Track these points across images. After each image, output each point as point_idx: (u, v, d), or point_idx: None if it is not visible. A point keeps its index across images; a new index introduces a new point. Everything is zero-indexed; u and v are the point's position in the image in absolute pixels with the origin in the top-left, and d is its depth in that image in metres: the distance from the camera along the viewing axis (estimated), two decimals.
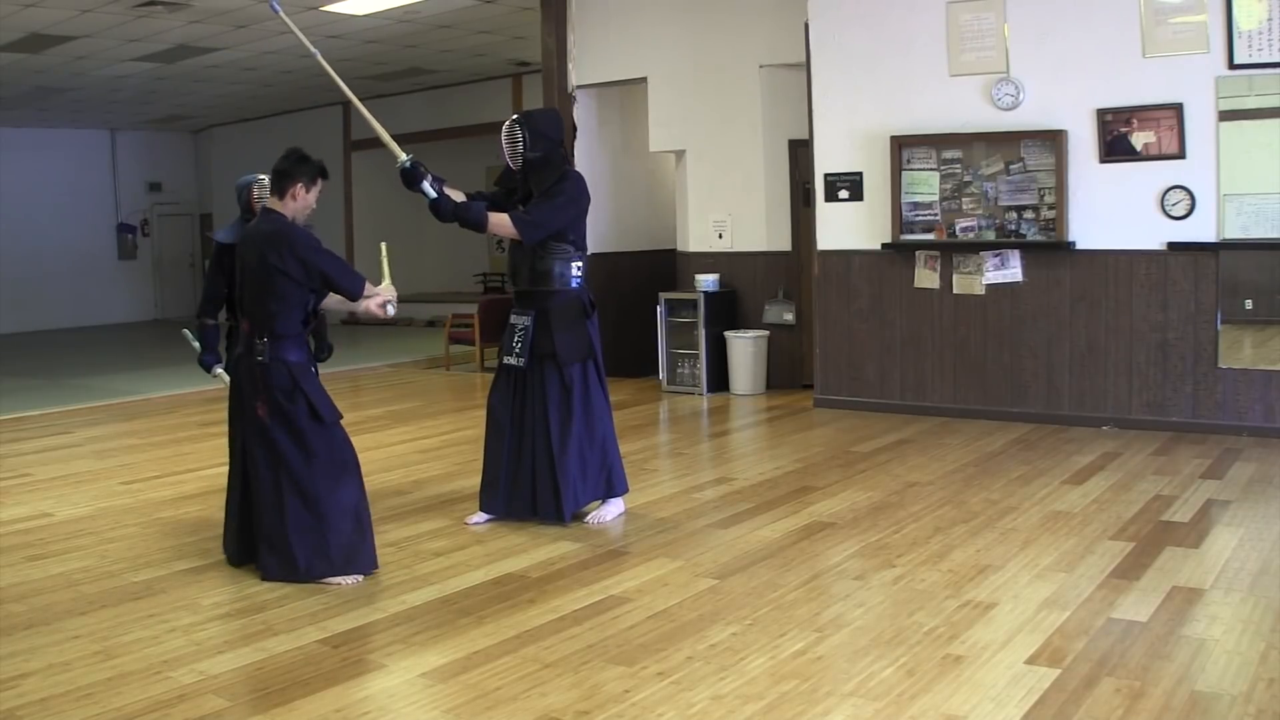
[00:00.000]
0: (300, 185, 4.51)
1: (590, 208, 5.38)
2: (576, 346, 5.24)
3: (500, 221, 5.07)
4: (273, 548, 4.49)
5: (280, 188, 4.51)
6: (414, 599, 4.27)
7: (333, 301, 4.69)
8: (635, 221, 10.61)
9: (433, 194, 4.96)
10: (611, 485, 5.41)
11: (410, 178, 4.96)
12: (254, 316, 4.50)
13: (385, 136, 5.00)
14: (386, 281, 4.83)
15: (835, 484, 6.01)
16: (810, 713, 3.18)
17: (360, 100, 5.28)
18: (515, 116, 5.26)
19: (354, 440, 4.72)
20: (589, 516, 5.36)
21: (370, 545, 4.60)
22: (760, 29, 9.10)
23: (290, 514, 4.44)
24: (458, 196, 5.09)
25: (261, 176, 5.81)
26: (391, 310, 4.70)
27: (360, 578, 4.52)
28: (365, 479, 6.31)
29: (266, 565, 4.53)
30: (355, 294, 4.57)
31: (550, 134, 5.21)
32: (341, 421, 4.61)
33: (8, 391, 10.83)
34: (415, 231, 17.55)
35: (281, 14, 5.30)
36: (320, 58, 5.16)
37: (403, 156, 4.96)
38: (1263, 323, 7.10)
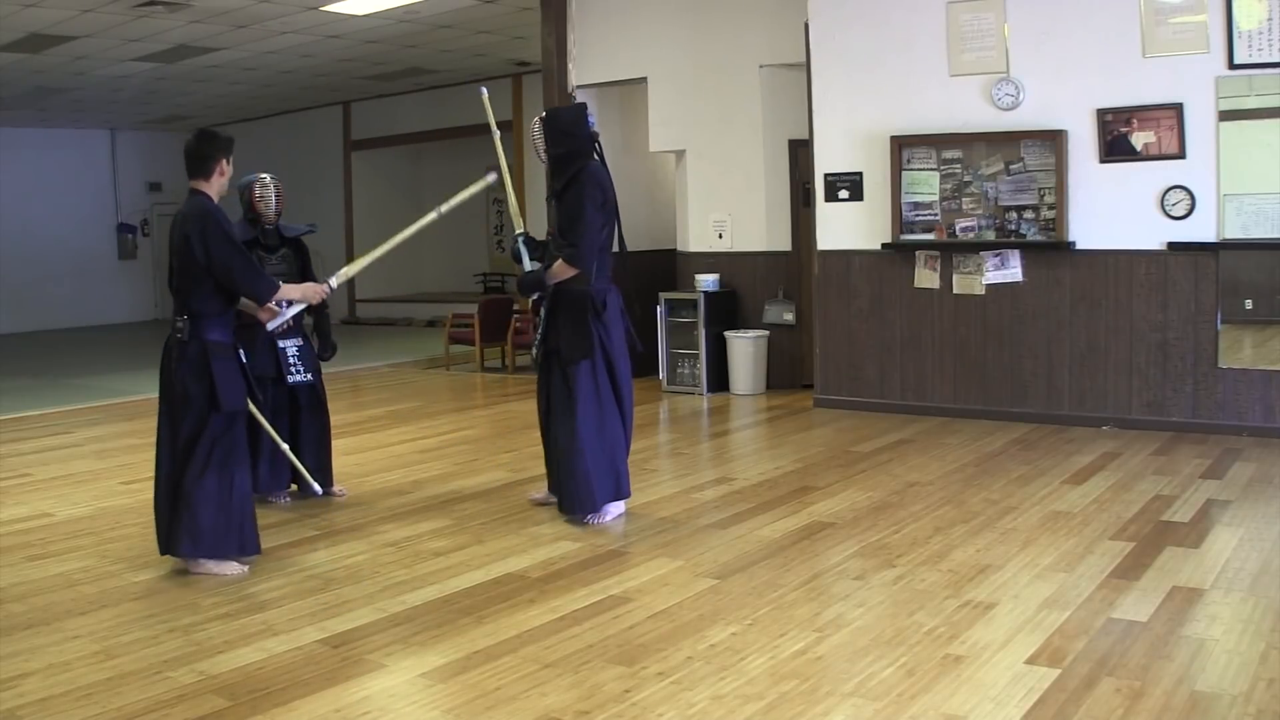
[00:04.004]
0: (224, 160, 4.60)
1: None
2: (576, 346, 5.22)
3: (557, 270, 5.23)
4: (169, 520, 4.60)
5: (205, 169, 4.57)
6: (414, 599, 4.27)
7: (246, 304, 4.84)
8: (635, 221, 10.56)
9: (527, 264, 5.31)
10: (619, 489, 5.40)
11: (516, 254, 5.39)
12: (177, 294, 4.61)
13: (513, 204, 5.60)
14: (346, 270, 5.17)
15: (835, 484, 6.01)
16: (810, 713, 3.18)
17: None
18: (541, 114, 5.41)
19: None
20: (588, 516, 5.35)
21: (252, 532, 4.70)
22: (760, 29, 9.11)
23: (178, 493, 4.54)
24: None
25: (263, 176, 5.87)
26: (281, 311, 4.96)
27: (245, 568, 4.64)
28: (365, 479, 6.38)
29: (160, 537, 4.67)
30: (262, 299, 4.72)
31: (572, 130, 5.27)
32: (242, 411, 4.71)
33: (8, 391, 10.83)
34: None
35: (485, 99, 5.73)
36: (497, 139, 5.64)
37: (520, 227, 5.46)
38: (1263, 323, 7.10)
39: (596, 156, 5.33)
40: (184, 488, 4.53)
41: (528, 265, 5.29)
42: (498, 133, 5.65)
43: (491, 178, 5.54)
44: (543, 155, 5.31)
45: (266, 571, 4.67)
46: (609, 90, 10.26)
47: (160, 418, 4.65)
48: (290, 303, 5.02)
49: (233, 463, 4.64)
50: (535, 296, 5.51)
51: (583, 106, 5.58)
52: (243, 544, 4.68)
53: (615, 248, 5.43)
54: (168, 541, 4.63)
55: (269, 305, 4.85)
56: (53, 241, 18.57)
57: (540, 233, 5.88)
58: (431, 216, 5.40)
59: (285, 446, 5.48)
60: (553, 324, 5.29)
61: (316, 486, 5.70)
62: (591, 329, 5.22)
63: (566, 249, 5.17)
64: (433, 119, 15.80)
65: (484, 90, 5.79)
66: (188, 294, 4.54)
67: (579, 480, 5.22)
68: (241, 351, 4.76)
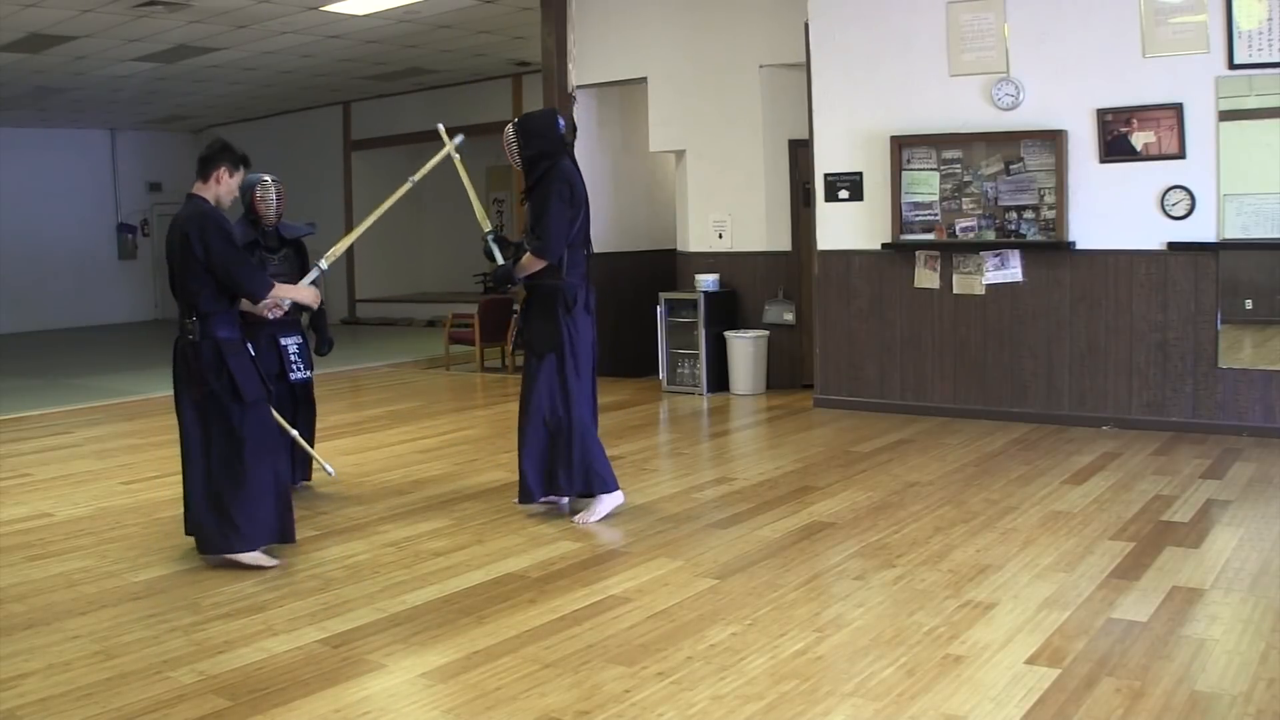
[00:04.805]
0: (224, 169, 4.71)
1: (590, 208, 5.48)
2: (544, 338, 5.33)
3: (526, 263, 5.32)
4: (208, 519, 4.68)
5: (204, 172, 4.70)
6: (414, 599, 4.28)
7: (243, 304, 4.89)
8: (635, 221, 10.61)
9: (499, 260, 5.40)
10: (591, 484, 5.35)
11: (489, 252, 5.46)
12: (181, 296, 4.67)
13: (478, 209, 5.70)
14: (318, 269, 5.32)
15: (835, 484, 6.01)
16: (810, 713, 3.18)
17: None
18: (514, 120, 5.52)
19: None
20: (576, 517, 5.35)
21: (290, 520, 4.83)
22: (760, 29, 9.11)
23: (217, 489, 4.64)
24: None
25: (265, 177, 5.95)
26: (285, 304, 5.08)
27: (277, 561, 4.72)
28: (365, 479, 6.39)
29: (199, 539, 4.74)
30: (256, 297, 4.78)
31: (542, 132, 5.35)
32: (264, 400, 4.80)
33: (8, 391, 10.82)
34: (415, 231, 17.56)
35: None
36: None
37: (488, 227, 5.55)
38: (1263, 323, 7.10)
39: (568, 158, 5.39)
40: (234, 483, 4.62)
41: (499, 260, 5.44)
42: (456, 154, 5.74)
43: (459, 140, 5.71)
44: (516, 159, 5.38)
45: (267, 571, 4.67)
46: (609, 90, 10.26)
47: (186, 418, 4.71)
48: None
49: (273, 449, 4.81)
50: None
51: (553, 111, 5.68)
52: (284, 531, 4.79)
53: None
54: (220, 541, 4.66)
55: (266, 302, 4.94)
56: (53, 241, 18.56)
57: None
58: (406, 187, 5.58)
59: (295, 433, 5.85)
60: (526, 318, 5.44)
61: (329, 467, 6.04)
62: (561, 323, 5.29)
63: (534, 242, 5.27)
64: (433, 119, 15.62)
65: (441, 125, 6.00)
66: (194, 295, 4.61)
67: (587, 460, 5.31)
68: (249, 346, 4.85)
